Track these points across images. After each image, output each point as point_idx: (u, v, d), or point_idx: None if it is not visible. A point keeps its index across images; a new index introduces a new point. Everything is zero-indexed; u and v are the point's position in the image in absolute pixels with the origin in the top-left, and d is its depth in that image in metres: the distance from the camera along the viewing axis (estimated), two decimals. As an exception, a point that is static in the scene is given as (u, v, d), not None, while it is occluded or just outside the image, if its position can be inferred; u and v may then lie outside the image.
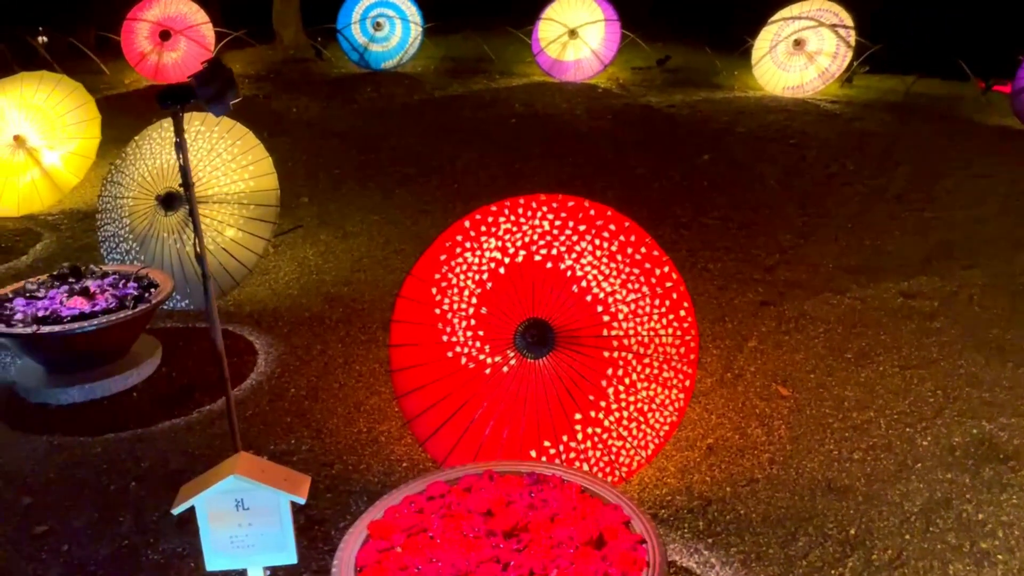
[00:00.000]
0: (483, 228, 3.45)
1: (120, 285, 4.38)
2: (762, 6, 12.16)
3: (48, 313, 4.02)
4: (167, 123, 5.38)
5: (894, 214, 6.52)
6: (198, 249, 2.54)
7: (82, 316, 4.00)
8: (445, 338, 3.37)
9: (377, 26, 13.11)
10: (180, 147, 2.38)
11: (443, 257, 3.46)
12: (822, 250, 5.85)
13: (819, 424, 3.76)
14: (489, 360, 3.29)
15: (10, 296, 4.27)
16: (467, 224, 3.48)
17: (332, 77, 12.81)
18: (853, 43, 10.90)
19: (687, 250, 5.89)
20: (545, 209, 3.42)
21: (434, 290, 3.43)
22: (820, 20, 11.05)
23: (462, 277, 3.42)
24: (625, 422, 3.23)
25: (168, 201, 5.05)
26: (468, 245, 3.44)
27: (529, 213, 3.43)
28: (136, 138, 5.42)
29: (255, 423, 3.92)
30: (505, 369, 3.26)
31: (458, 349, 3.35)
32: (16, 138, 7.09)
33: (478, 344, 3.32)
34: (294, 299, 5.34)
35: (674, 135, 9.35)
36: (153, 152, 5.25)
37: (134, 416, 4.00)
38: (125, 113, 10.24)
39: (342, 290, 5.46)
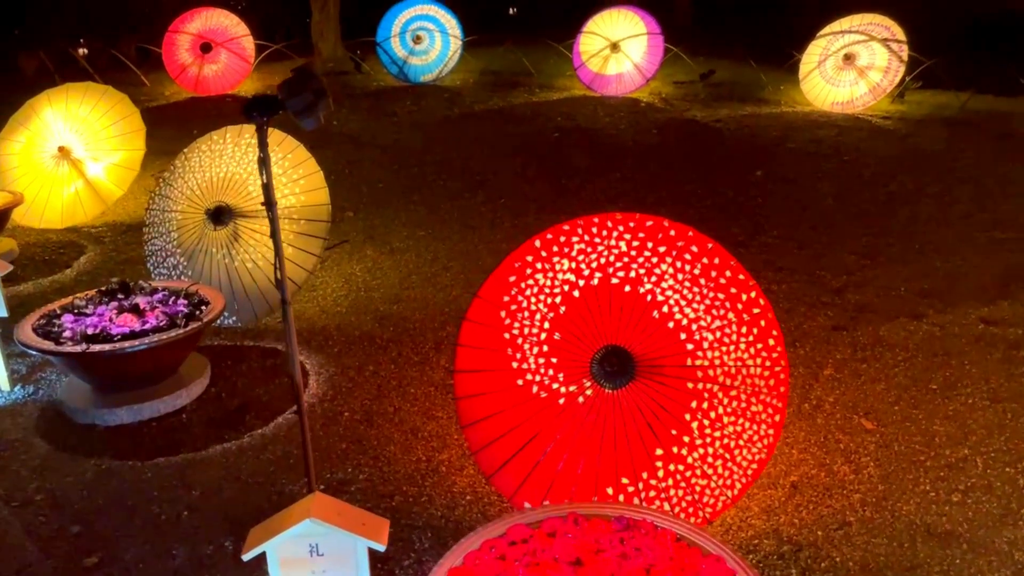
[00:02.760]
0: (555, 248, 3.26)
1: (170, 302, 4.25)
2: (810, 20, 11.94)
3: (98, 331, 3.89)
4: (216, 135, 5.27)
5: (963, 235, 6.24)
6: (278, 275, 2.37)
7: (132, 335, 3.86)
8: (515, 365, 3.18)
9: (417, 39, 13.04)
10: (264, 163, 2.21)
11: (512, 278, 3.27)
12: (891, 272, 5.59)
13: (910, 462, 3.51)
14: (563, 390, 3.09)
15: (58, 312, 4.14)
16: (537, 243, 3.29)
17: (372, 90, 12.74)
18: (906, 57, 10.61)
19: (748, 270, 5.64)
20: (622, 228, 3.22)
21: (503, 313, 3.24)
22: (871, 34, 10.78)
23: (533, 300, 3.23)
24: (710, 459, 3.01)
25: (217, 215, 4.92)
26: (539, 266, 3.25)
27: (604, 233, 3.24)
28: (185, 151, 5.31)
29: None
30: (580, 400, 3.06)
31: (529, 377, 3.15)
32: (61, 149, 7.05)
33: (551, 372, 3.12)
34: (343, 317, 5.19)
35: (723, 151, 9.13)
36: (203, 165, 5.13)
37: (184, 439, 3.85)
38: (166, 125, 10.22)
39: (392, 308, 5.29)
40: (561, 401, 3.09)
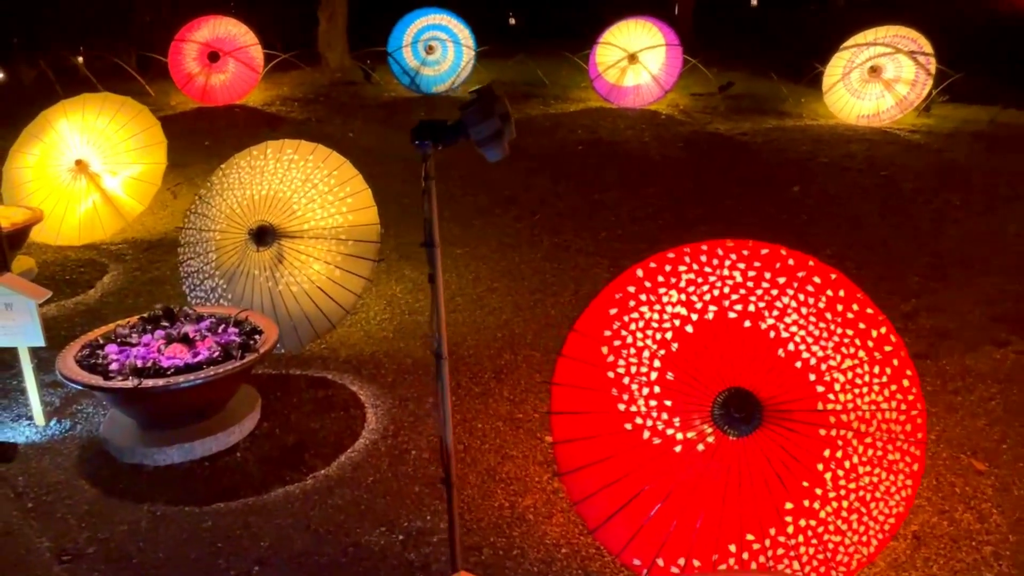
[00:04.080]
0: (660, 278, 3.00)
1: (219, 330, 3.95)
2: (824, 30, 11.78)
3: (147, 363, 3.58)
4: (256, 151, 4.98)
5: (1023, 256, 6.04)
6: (435, 328, 2.09)
7: (187, 368, 3.57)
8: (622, 407, 2.91)
9: (429, 49, 12.78)
10: (427, 194, 1.95)
11: (614, 311, 3.01)
12: (960, 295, 5.36)
13: (1035, 508, 3.26)
14: (680, 436, 2.82)
15: (100, 342, 3.84)
16: (640, 273, 3.03)
17: (383, 100, 12.46)
18: (933, 71, 10.45)
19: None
20: (734, 257, 2.97)
21: (605, 349, 2.98)
22: (897, 47, 10.61)
23: (639, 336, 2.96)
24: (844, 513, 2.74)
25: (260, 235, 4.63)
26: (644, 298, 2.99)
27: (715, 262, 2.98)
28: (222, 167, 5.01)
29: (379, 492, 3.45)
30: (700, 447, 2.79)
31: (639, 421, 2.88)
32: (78, 163, 6.74)
33: (664, 416, 2.85)
34: (391, 343, 4.90)
35: (753, 164, 8.91)
36: (243, 182, 4.84)
37: (241, 481, 3.55)
38: (175, 136, 9.81)
39: (441, 333, 5.00)
40: (677, 449, 2.82)
